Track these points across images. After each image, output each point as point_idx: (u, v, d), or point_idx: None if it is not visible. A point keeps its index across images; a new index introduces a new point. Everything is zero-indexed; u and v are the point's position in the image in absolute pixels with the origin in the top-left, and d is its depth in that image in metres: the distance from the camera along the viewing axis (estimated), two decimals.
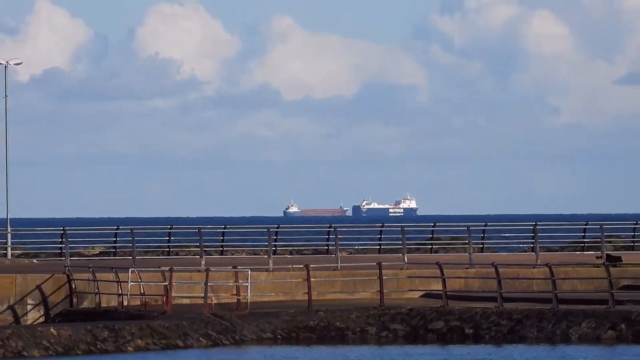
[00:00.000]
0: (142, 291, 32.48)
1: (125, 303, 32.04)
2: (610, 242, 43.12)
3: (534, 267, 36.09)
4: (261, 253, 41.15)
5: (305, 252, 45.41)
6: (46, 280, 34.51)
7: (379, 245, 44.07)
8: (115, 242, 43.26)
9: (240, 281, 32.77)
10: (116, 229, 43.72)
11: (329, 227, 42.67)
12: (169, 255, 42.40)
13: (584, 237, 46.41)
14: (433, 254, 43.50)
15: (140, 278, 32.55)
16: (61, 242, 40.42)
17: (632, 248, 44.45)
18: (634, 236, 46.29)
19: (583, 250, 43.47)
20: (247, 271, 32.45)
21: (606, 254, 39.00)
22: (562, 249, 45.17)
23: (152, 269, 34.79)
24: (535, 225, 42.34)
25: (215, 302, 32.23)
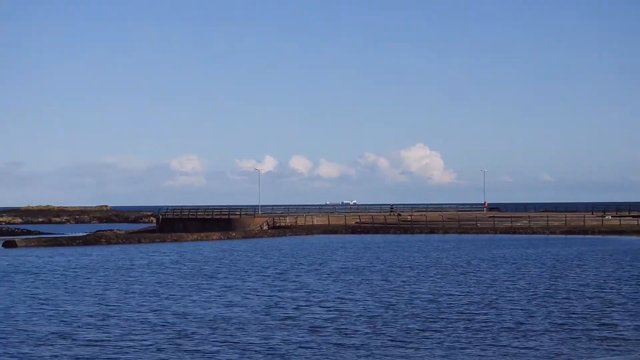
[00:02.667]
0: (290, 221, 62.46)
1: (286, 225, 60.89)
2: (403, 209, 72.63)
3: (383, 217, 65.98)
4: (317, 211, 70.94)
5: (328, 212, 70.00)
6: (268, 219, 63.16)
7: (345, 211, 72.84)
8: (285, 210, 72.13)
9: (313, 218, 64.04)
10: (287, 207, 73.42)
11: (334, 208, 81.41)
12: (296, 212, 69.71)
13: (391, 209, 77.12)
14: (359, 214, 69.45)
15: (289, 217, 64.19)
16: (272, 210, 72.73)
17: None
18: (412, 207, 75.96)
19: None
20: (314, 216, 65.65)
21: (398, 213, 70.96)
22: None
23: (294, 215, 65.75)
24: (392, 208, 74.01)
25: (306, 224, 61.39)
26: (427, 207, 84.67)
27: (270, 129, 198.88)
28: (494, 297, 19.24)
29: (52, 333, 13.99)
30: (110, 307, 17.92)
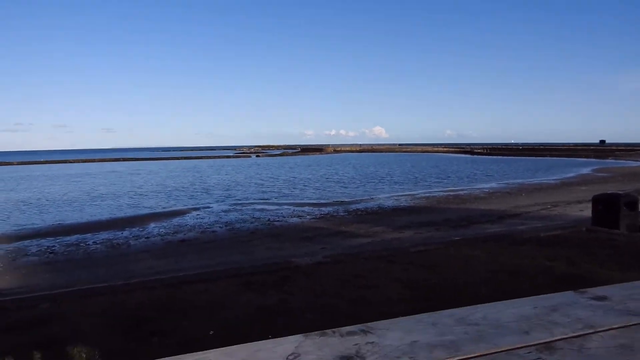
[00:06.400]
0: (340, 148, 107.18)
1: (338, 150, 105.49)
2: None
3: (370, 147, 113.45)
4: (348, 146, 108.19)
5: (351, 146, 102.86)
6: (332, 148, 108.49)
7: (358, 146, 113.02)
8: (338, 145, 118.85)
9: (345, 147, 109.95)
10: (339, 144, 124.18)
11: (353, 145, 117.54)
12: (341, 145, 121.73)
13: (372, 146, 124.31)
14: (363, 146, 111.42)
15: (340, 147, 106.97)
16: (334, 145, 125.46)
17: None
18: None
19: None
20: (346, 146, 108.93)
21: (372, 147, 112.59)
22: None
23: (340, 146, 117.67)
24: (373, 146, 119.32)
25: (344, 150, 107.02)
26: (380, 146, 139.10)
27: (336, 114, 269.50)
28: (405, 170, 33.01)
29: (258, 179, 25.63)
30: (289, 172, 32.54)
